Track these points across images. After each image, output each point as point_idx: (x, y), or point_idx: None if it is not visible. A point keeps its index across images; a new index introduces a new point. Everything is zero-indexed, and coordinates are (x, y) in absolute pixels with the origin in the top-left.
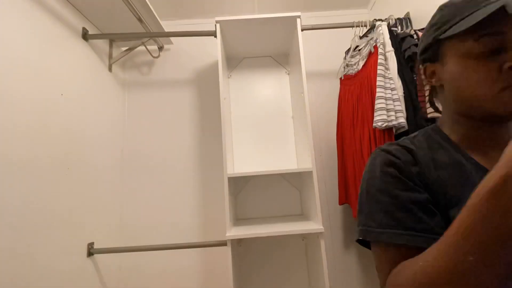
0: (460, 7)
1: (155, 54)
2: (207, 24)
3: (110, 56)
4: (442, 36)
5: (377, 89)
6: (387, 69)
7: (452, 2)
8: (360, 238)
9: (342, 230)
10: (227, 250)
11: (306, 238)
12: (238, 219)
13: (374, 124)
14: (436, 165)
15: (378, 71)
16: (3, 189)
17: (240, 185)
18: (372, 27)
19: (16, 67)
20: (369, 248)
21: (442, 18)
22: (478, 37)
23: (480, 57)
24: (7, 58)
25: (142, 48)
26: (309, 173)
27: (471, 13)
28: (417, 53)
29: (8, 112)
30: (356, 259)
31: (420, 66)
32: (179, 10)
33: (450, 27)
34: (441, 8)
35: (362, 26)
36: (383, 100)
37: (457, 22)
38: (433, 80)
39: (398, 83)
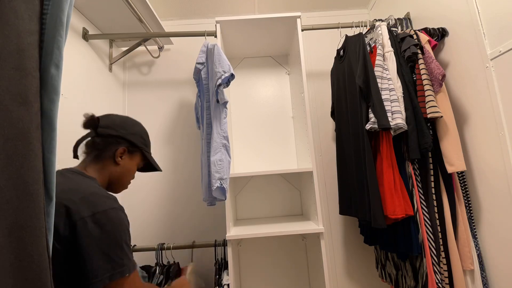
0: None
1: (155, 54)
2: (207, 24)
3: (110, 56)
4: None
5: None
6: (385, 69)
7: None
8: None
9: (342, 230)
10: (227, 250)
11: (306, 238)
12: (238, 219)
13: (366, 126)
14: None
15: (376, 73)
16: None
17: (240, 185)
18: (372, 28)
19: None
20: (369, 244)
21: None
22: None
23: None
24: None
25: (142, 48)
26: (309, 173)
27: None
28: (416, 53)
29: None
30: (356, 259)
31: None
32: (179, 10)
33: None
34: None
35: (362, 26)
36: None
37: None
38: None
39: (397, 84)
